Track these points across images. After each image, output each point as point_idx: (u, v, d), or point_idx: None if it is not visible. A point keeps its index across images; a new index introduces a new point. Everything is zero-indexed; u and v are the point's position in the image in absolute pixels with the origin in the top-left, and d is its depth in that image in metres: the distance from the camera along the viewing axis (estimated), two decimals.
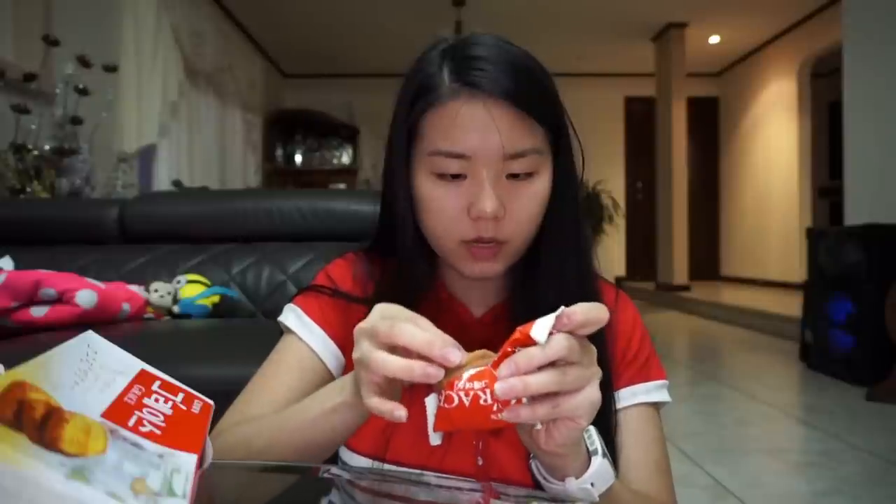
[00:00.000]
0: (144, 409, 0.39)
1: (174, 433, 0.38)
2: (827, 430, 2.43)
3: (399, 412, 0.45)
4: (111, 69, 3.09)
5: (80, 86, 2.85)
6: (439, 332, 0.47)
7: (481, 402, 0.44)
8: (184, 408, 0.42)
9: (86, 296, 1.31)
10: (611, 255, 7.93)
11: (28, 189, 2.53)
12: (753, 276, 7.49)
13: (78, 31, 3.25)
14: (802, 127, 6.61)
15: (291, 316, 0.69)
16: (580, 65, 7.64)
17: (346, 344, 0.68)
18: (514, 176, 0.60)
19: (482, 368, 0.45)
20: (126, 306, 1.41)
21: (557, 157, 0.63)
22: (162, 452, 0.36)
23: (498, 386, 0.43)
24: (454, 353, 0.45)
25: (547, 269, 0.64)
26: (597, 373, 0.47)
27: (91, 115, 3.03)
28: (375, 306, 0.49)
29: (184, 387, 0.45)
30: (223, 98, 5.78)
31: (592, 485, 0.52)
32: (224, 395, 0.66)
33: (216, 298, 1.53)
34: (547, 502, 0.53)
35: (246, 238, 1.72)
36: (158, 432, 0.37)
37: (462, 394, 0.44)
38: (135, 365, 0.43)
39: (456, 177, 0.60)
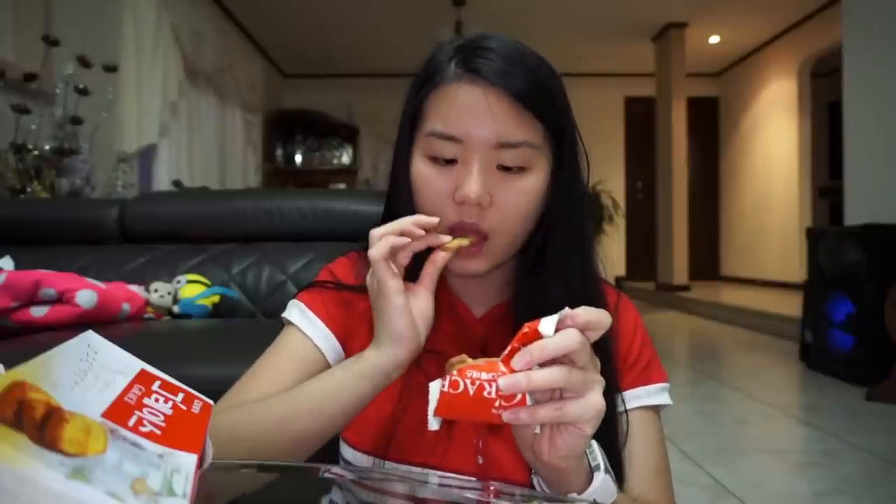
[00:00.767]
0: (144, 409, 0.39)
1: (174, 433, 0.38)
2: (827, 430, 2.43)
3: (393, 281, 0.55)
4: (111, 69, 3.09)
5: (80, 86, 2.85)
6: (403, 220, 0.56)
7: (485, 393, 0.44)
8: (184, 408, 0.42)
9: (86, 296, 1.31)
10: (611, 255, 7.92)
11: (28, 189, 2.53)
12: (753, 276, 7.49)
13: (78, 31, 3.25)
14: (802, 127, 6.61)
15: (295, 311, 0.69)
16: (580, 65, 7.64)
17: (347, 339, 0.69)
18: (506, 169, 0.60)
19: (492, 360, 0.45)
20: (126, 306, 1.41)
21: (561, 159, 0.63)
22: (162, 452, 0.36)
23: (502, 380, 0.43)
24: (430, 218, 0.56)
25: (551, 270, 0.64)
26: (601, 381, 0.47)
27: (91, 115, 3.03)
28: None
29: (184, 387, 0.45)
30: (223, 98, 5.79)
31: (595, 501, 0.51)
32: (224, 395, 0.66)
33: (216, 298, 1.53)
34: (547, 502, 0.53)
35: (246, 238, 1.72)
36: (158, 432, 0.37)
37: (468, 381, 0.45)
38: (135, 365, 0.43)
39: (449, 162, 0.60)
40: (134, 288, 1.47)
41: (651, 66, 7.17)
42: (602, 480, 0.52)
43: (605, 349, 0.58)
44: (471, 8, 5.92)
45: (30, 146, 2.59)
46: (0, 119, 2.66)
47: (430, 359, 0.64)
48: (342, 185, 7.56)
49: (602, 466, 0.53)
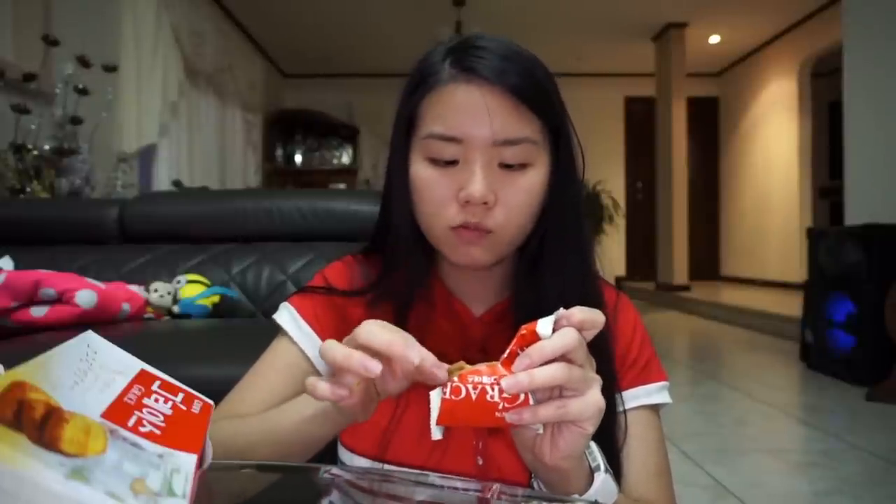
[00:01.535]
0: (144, 409, 0.39)
1: (174, 433, 0.38)
2: (827, 430, 2.43)
3: (340, 391, 0.45)
4: (111, 69, 3.09)
5: (80, 86, 2.85)
6: (404, 333, 0.46)
7: (488, 397, 0.44)
8: (184, 408, 0.42)
9: (86, 296, 1.31)
10: (611, 255, 7.92)
11: (28, 189, 2.53)
12: (753, 276, 7.49)
13: (78, 31, 3.25)
14: (802, 127, 6.61)
15: (285, 314, 0.70)
16: (580, 65, 7.64)
17: None
18: (507, 166, 0.60)
19: (491, 364, 0.45)
20: (126, 306, 1.41)
21: (557, 157, 0.63)
22: (162, 452, 0.36)
23: (505, 381, 0.43)
24: (413, 351, 0.44)
25: (549, 268, 0.64)
26: (598, 379, 0.47)
27: (91, 115, 3.03)
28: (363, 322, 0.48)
29: (184, 387, 0.45)
30: (223, 98, 5.78)
31: (597, 502, 0.51)
32: (224, 395, 0.66)
33: (216, 298, 1.53)
34: (547, 503, 0.53)
35: (246, 238, 1.72)
36: (158, 432, 0.37)
37: (470, 386, 0.44)
38: (135, 365, 0.43)
39: (449, 163, 0.60)
40: (134, 288, 1.47)
41: (651, 66, 7.17)
42: (603, 480, 0.52)
43: (603, 349, 0.58)
44: (471, 8, 5.92)
45: (29, 146, 2.59)
46: (0, 119, 2.66)
47: None
48: (342, 185, 7.56)
49: (602, 467, 0.53)
